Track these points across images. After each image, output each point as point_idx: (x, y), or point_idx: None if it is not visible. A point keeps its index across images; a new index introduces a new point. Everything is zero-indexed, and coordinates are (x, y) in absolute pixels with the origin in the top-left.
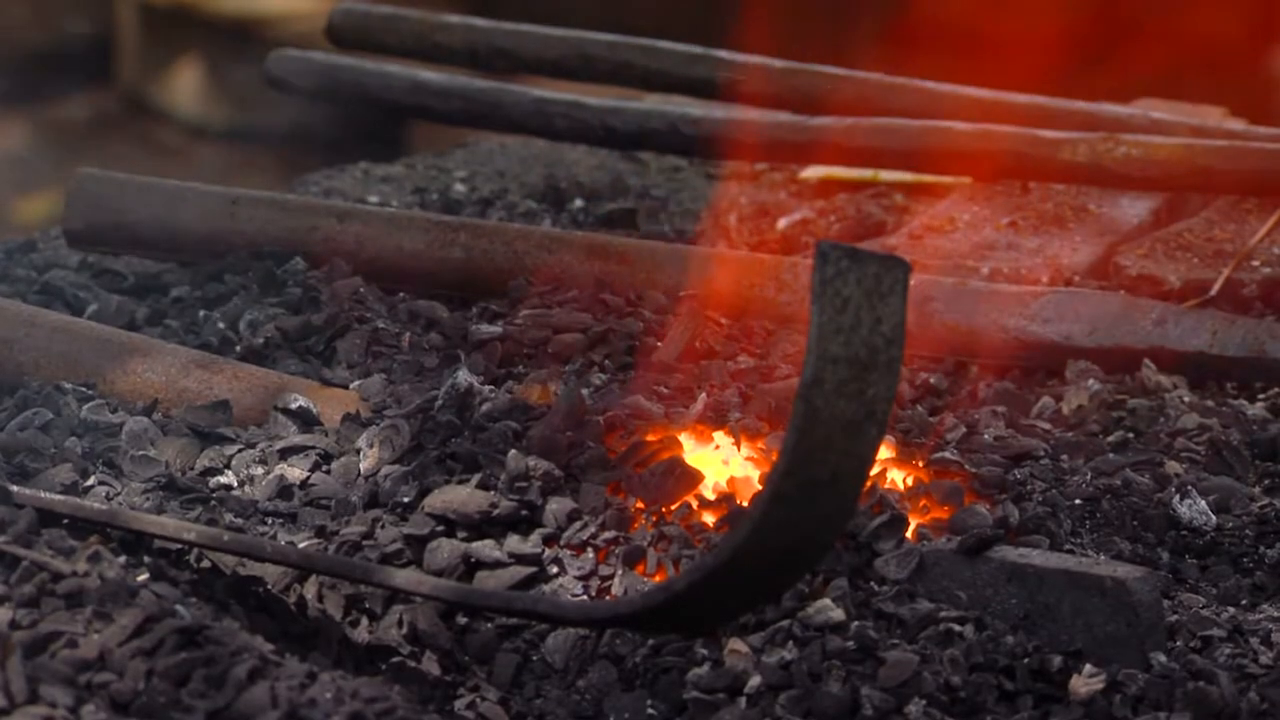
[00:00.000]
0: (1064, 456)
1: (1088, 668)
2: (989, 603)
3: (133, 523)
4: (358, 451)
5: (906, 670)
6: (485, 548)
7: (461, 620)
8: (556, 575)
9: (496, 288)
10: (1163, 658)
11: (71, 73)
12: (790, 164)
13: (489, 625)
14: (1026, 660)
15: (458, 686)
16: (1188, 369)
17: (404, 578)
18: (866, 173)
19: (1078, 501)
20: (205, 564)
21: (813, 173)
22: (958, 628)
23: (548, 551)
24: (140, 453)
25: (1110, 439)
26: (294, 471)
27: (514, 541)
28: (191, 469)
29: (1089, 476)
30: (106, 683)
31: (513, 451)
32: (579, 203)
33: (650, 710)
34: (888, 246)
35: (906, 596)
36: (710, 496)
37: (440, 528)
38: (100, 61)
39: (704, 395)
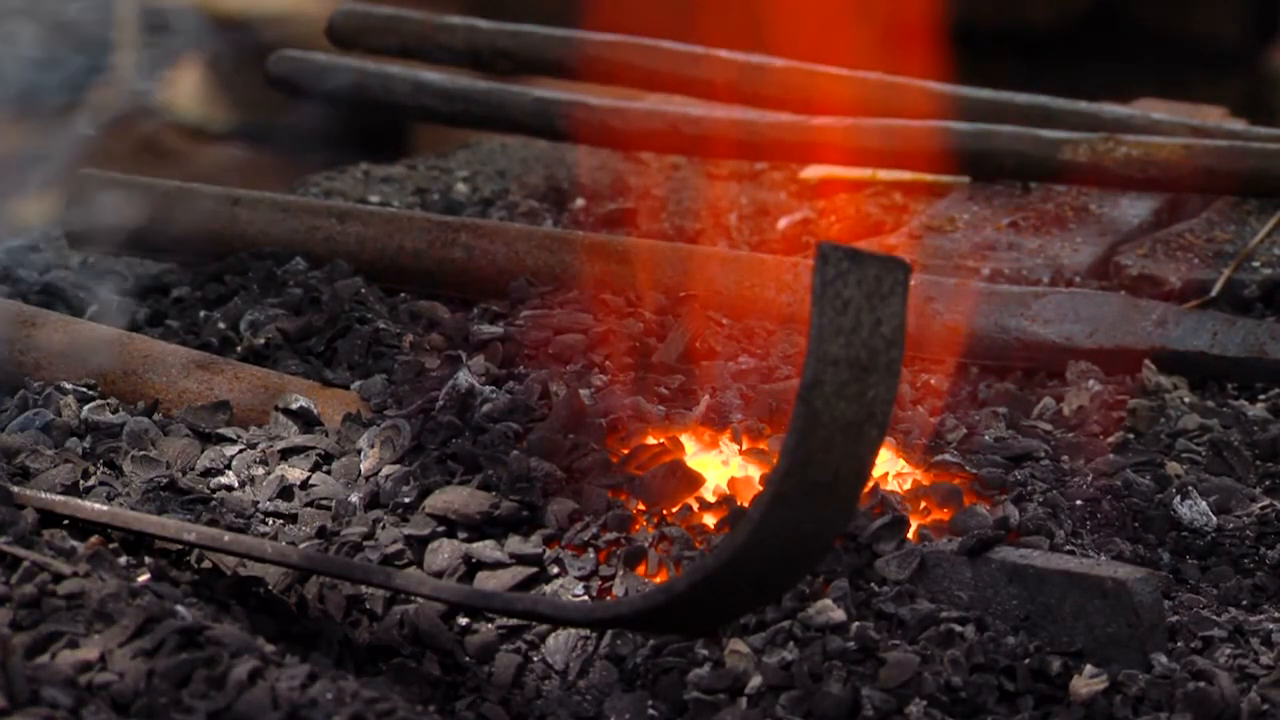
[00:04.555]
0: (1065, 457)
1: (1088, 668)
2: (990, 603)
3: (133, 523)
4: (358, 452)
5: (907, 671)
6: (486, 548)
7: (462, 621)
8: (557, 576)
9: (498, 288)
10: (1163, 658)
11: (75, 73)
12: (790, 164)
13: (490, 626)
14: (1027, 661)
15: (458, 687)
16: (1188, 370)
17: (405, 578)
18: (866, 173)
19: (1078, 502)
20: (206, 565)
21: (813, 173)
22: (958, 628)
23: (549, 552)
24: (141, 453)
25: (1111, 440)
26: (295, 472)
27: (515, 542)
28: (192, 469)
29: (1090, 477)
30: (107, 683)
31: (514, 452)
32: (580, 203)
33: (651, 711)
34: (888, 246)
35: (907, 597)
36: (711, 498)
37: (441, 528)
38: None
39: (706, 397)
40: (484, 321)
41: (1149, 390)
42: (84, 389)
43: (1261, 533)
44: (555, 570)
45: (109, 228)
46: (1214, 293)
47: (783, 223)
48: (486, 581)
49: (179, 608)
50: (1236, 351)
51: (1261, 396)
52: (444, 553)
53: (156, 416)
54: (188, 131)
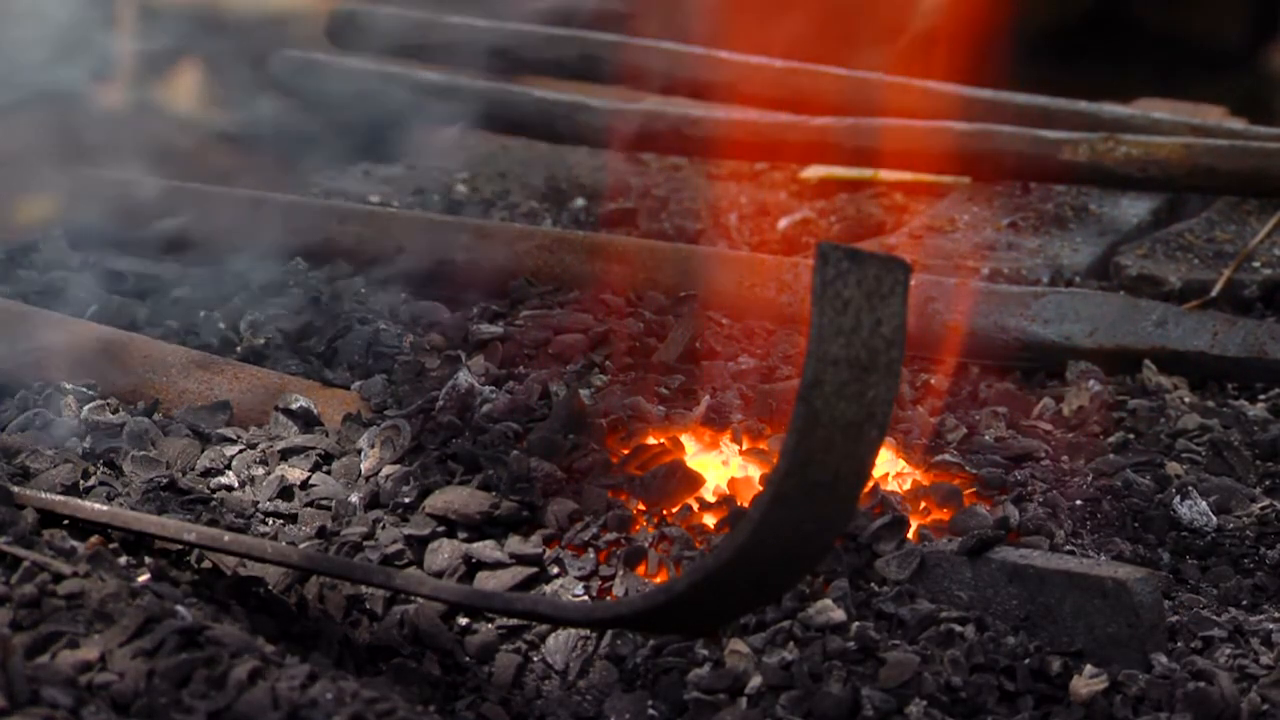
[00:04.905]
0: (1065, 457)
1: (1088, 668)
2: (990, 603)
3: (133, 523)
4: (358, 452)
5: (907, 671)
6: (486, 548)
7: (462, 621)
8: (557, 576)
9: (498, 288)
10: (1163, 658)
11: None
12: (790, 164)
13: (490, 626)
14: (1027, 661)
15: (458, 687)
16: (1188, 370)
17: (405, 578)
18: (866, 173)
19: (1078, 502)
20: (206, 565)
21: (813, 173)
22: (958, 628)
23: (549, 552)
24: (141, 453)
25: (1111, 440)
26: (295, 472)
27: (515, 542)
28: (192, 469)
29: (1090, 477)
30: (107, 683)
31: (514, 452)
32: (580, 203)
33: (651, 711)
34: (888, 246)
35: (907, 597)
36: (711, 498)
37: (441, 528)
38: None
39: (706, 397)
40: (484, 321)
41: (1149, 390)
42: (84, 389)
43: (1261, 533)
44: (555, 570)
45: (109, 227)
46: (1214, 293)
47: (783, 223)
48: (486, 581)
49: (179, 608)
50: (1236, 351)
51: (1261, 396)
52: (444, 553)
53: (156, 416)
54: (188, 132)
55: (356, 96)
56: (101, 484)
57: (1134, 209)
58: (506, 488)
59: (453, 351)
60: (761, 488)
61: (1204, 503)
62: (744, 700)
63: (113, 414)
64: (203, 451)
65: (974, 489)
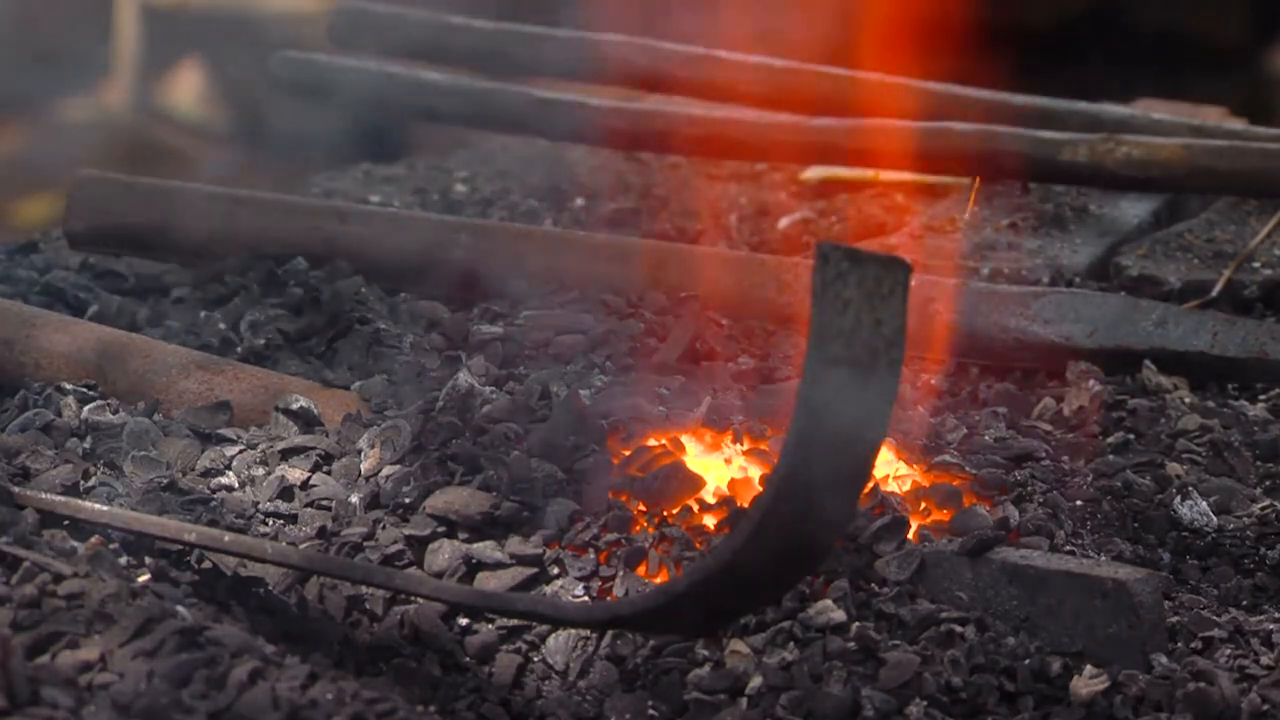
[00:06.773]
0: (1065, 458)
1: (1089, 669)
2: (990, 604)
3: (134, 524)
4: (359, 452)
5: (907, 671)
6: (486, 549)
7: (462, 621)
8: (557, 576)
9: (498, 288)
10: (1164, 659)
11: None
12: (790, 164)
13: (490, 626)
14: (1027, 661)
15: (458, 687)
16: (1188, 370)
17: (405, 579)
18: (867, 173)
19: (1079, 503)
20: (206, 565)
21: (813, 173)
22: (959, 629)
23: (549, 553)
24: (141, 454)
25: (1111, 440)
26: (295, 472)
27: (515, 543)
28: (192, 470)
29: (1090, 478)
30: (107, 684)
31: (515, 453)
32: (580, 202)
33: (651, 711)
34: (888, 246)
35: (907, 597)
36: (711, 499)
37: (441, 529)
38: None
39: (707, 398)
40: (484, 321)
41: (1149, 390)
42: (84, 389)
43: (1262, 533)
44: (555, 571)
45: (110, 229)
46: (1214, 293)
47: (783, 223)
48: (487, 582)
49: (179, 608)
50: (1236, 351)
51: (1261, 397)
52: (444, 553)
53: (156, 417)
54: (188, 131)
55: (356, 96)
56: (101, 484)
57: (1134, 209)
58: (507, 488)
59: (453, 351)
60: (761, 488)
61: (1204, 503)
62: (744, 700)
63: (113, 414)
64: (203, 452)
65: (974, 489)
